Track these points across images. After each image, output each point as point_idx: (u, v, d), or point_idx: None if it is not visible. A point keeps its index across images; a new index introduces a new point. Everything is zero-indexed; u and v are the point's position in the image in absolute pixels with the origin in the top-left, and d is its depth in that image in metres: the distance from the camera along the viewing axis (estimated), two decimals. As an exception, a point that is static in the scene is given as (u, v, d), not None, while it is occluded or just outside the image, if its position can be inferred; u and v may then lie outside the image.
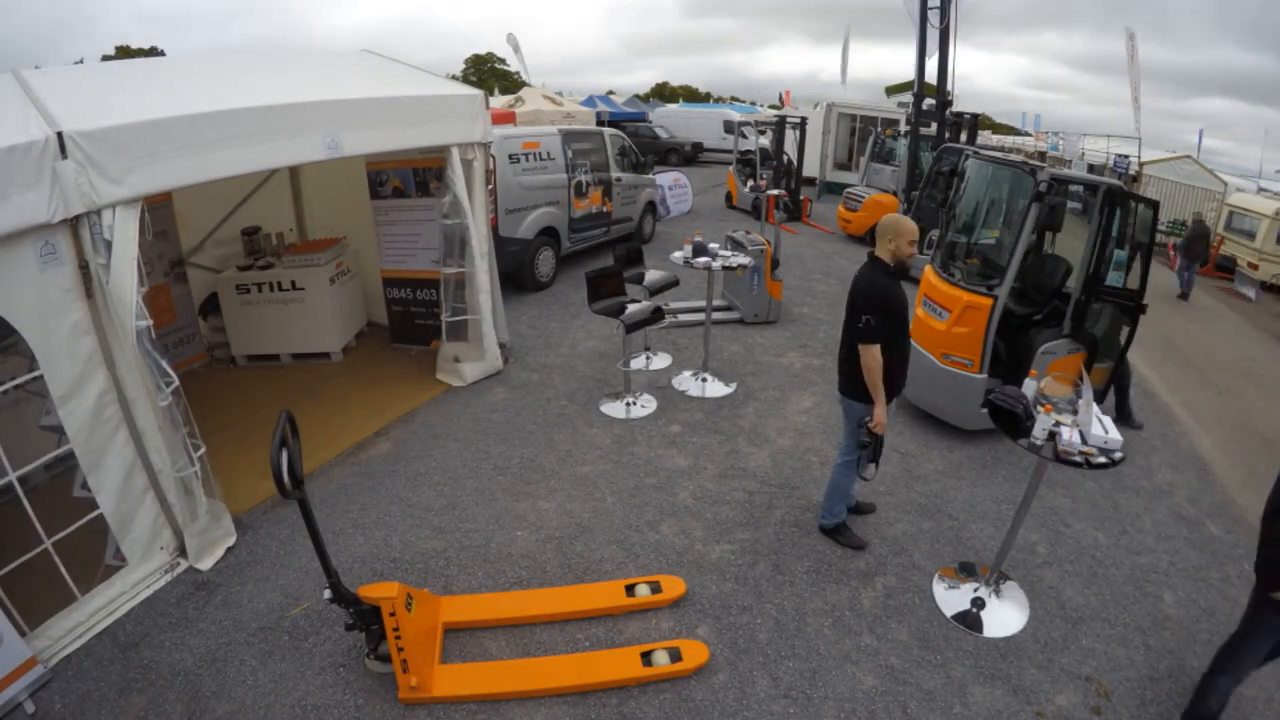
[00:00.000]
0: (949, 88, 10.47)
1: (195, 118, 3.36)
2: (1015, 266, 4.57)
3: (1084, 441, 2.84)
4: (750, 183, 13.50)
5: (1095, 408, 3.00)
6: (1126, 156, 17.08)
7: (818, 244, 11.71)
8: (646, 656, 2.94)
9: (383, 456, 4.59)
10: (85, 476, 3.08)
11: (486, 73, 50.47)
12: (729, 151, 16.83)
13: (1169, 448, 5.31)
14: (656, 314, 5.12)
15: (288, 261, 5.84)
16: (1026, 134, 34.94)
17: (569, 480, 4.35)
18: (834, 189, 15.93)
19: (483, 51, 52.96)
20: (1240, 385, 7.25)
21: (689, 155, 22.76)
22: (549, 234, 8.28)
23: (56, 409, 2.94)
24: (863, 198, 11.65)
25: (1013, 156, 6.40)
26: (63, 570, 3.01)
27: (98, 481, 3.12)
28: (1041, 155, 22.97)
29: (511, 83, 41.61)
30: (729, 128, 21.70)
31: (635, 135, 17.95)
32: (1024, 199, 4.52)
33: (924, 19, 10.45)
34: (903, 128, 13.89)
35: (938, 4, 10.19)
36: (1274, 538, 2.51)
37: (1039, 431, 2.87)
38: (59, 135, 2.81)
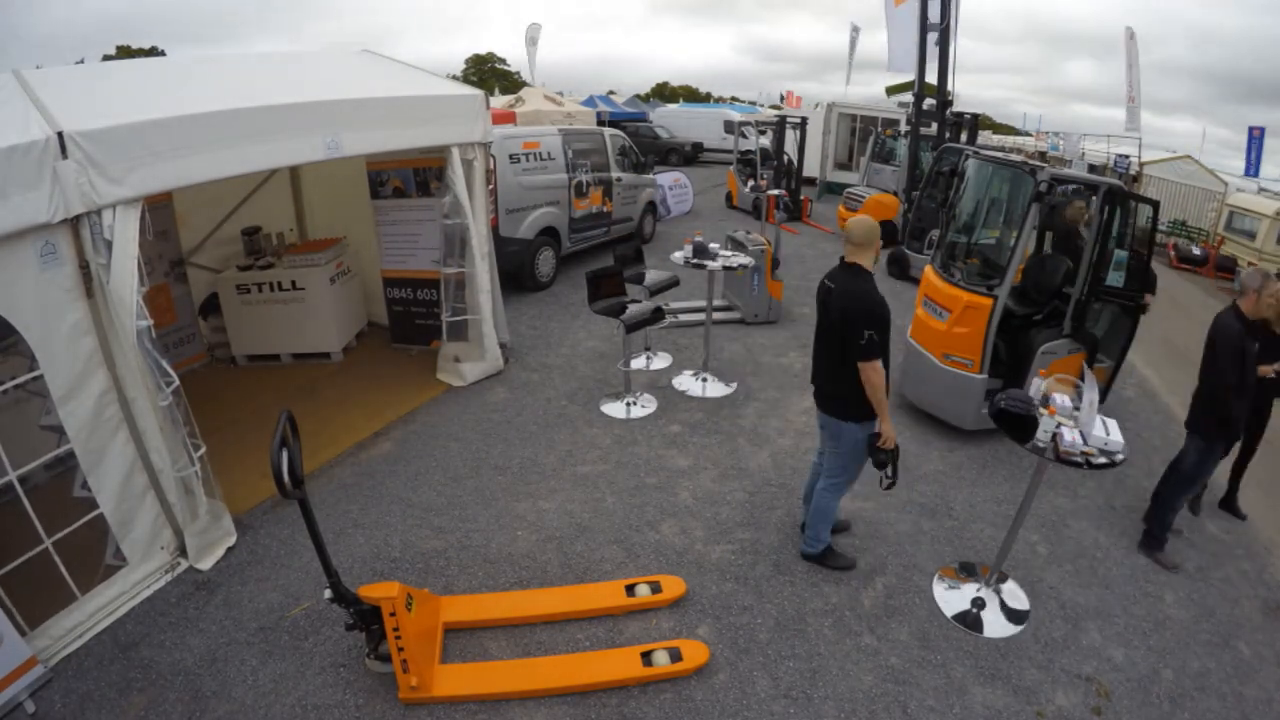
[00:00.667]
0: (949, 88, 10.46)
1: (196, 118, 3.37)
2: (1015, 266, 4.57)
3: (1085, 442, 2.84)
4: (750, 183, 13.49)
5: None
6: (1127, 156, 17.09)
7: (818, 244, 11.71)
8: (647, 656, 2.94)
9: (383, 456, 4.59)
10: (85, 476, 3.08)
11: (487, 73, 50.49)
12: (729, 151, 16.82)
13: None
14: (657, 314, 5.12)
15: (288, 261, 5.84)
16: (1027, 134, 34.95)
17: (569, 480, 4.35)
18: (834, 189, 15.92)
19: (483, 51, 53.03)
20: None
21: (689, 155, 22.75)
22: (549, 234, 8.28)
23: (56, 409, 2.94)
24: (863, 198, 11.65)
25: (1013, 156, 6.40)
26: (63, 570, 3.00)
27: (98, 481, 3.12)
28: (1042, 155, 22.96)
29: (512, 83, 41.64)
30: (729, 128, 21.67)
31: (635, 135, 17.92)
32: (1024, 199, 4.52)
33: (924, 19, 10.44)
34: (903, 128, 13.89)
35: (937, 18, 10.18)
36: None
37: (1042, 433, 2.87)
38: (59, 135, 2.81)
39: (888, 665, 3.02)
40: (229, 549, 3.63)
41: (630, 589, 3.34)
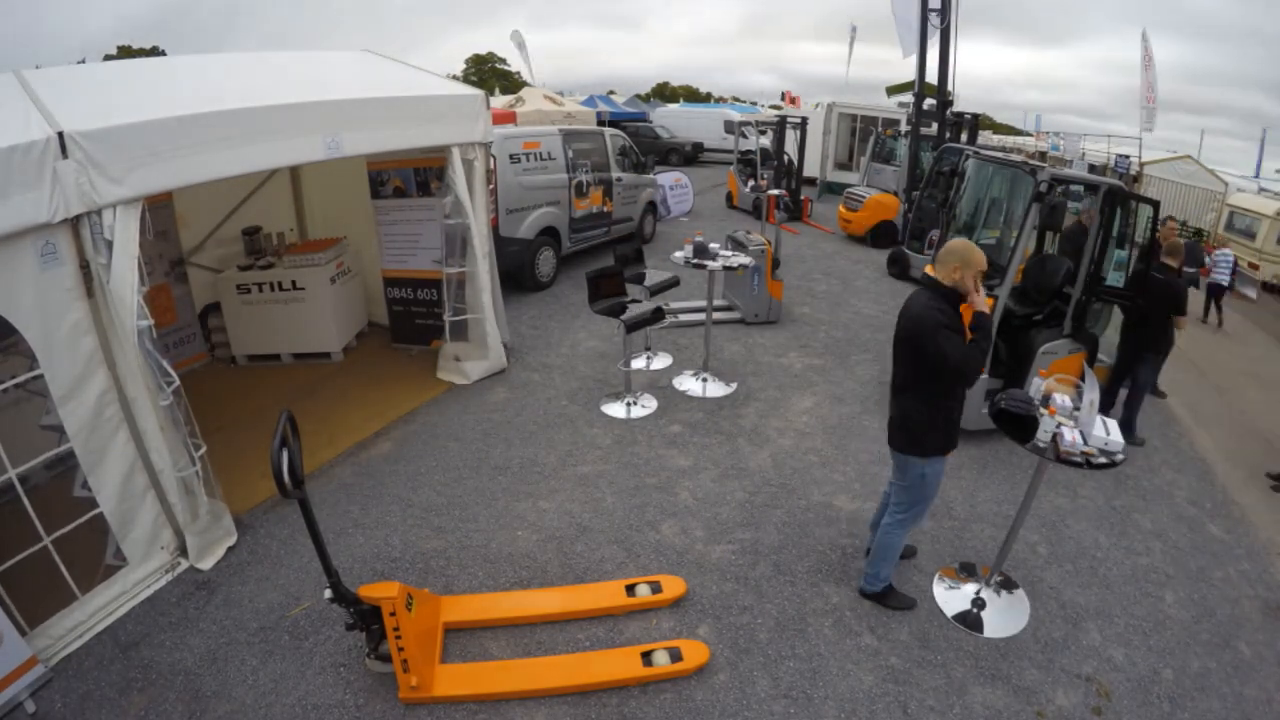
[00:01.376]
0: (949, 88, 10.47)
1: (196, 118, 3.36)
2: (1015, 266, 4.57)
3: (1085, 442, 2.84)
4: (751, 183, 13.49)
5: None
6: (1127, 157, 17.10)
7: (818, 244, 11.71)
8: (647, 656, 2.94)
9: (383, 456, 4.60)
10: (85, 476, 3.08)
11: (487, 73, 50.49)
12: (729, 151, 16.82)
13: (1169, 448, 5.31)
14: (657, 314, 5.12)
15: (288, 261, 5.84)
16: (1028, 134, 34.93)
17: (570, 480, 4.35)
18: (835, 189, 15.92)
19: (483, 51, 53.01)
20: (1241, 385, 7.26)
21: (689, 155, 22.75)
22: (549, 234, 8.27)
23: (57, 408, 2.94)
24: (863, 198, 11.65)
25: (1013, 156, 6.40)
26: (63, 570, 3.01)
27: (98, 481, 3.12)
28: (1042, 155, 22.96)
29: (512, 83, 41.61)
30: (729, 128, 21.67)
31: (636, 135, 17.93)
32: (1024, 199, 4.52)
33: (924, 18, 10.45)
34: (903, 128, 13.89)
35: (938, 4, 10.19)
36: None
37: (1042, 433, 2.87)
38: (60, 135, 2.81)
39: (888, 665, 3.02)
40: (229, 549, 3.64)
41: (630, 589, 3.34)
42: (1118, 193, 4.51)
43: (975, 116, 11.07)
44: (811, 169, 16.06)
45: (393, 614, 2.62)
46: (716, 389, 5.65)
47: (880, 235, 11.33)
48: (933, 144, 10.51)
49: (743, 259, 5.85)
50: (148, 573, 3.36)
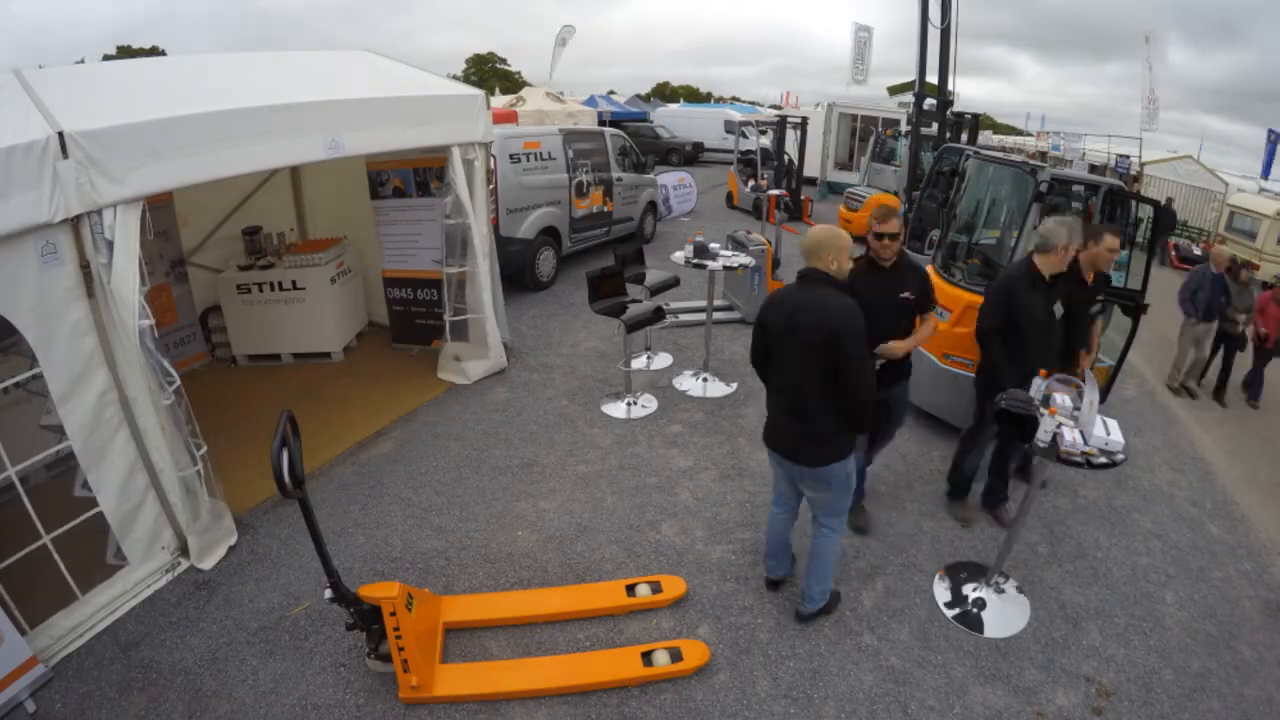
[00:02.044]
0: (950, 88, 10.46)
1: (196, 117, 3.36)
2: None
3: (1085, 442, 2.84)
4: (751, 183, 13.48)
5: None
6: (1128, 157, 17.10)
7: (818, 244, 11.69)
8: (647, 656, 2.94)
9: (383, 456, 4.60)
10: (86, 476, 3.08)
11: (487, 72, 50.49)
12: (730, 151, 16.82)
13: (1169, 448, 5.31)
14: (657, 314, 5.12)
15: (289, 261, 5.84)
16: (1028, 134, 34.91)
17: (570, 480, 4.35)
18: (835, 189, 15.92)
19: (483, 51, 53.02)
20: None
21: (690, 155, 22.77)
22: (550, 234, 8.27)
23: (56, 408, 2.94)
24: (864, 198, 11.65)
25: (1014, 156, 6.40)
26: (63, 569, 3.01)
27: (98, 481, 3.12)
28: (1043, 155, 22.96)
29: (512, 83, 41.63)
30: (730, 128, 21.67)
31: (636, 135, 17.94)
32: (1024, 199, 4.52)
33: (924, 18, 10.44)
34: (904, 128, 13.89)
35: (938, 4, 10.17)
36: (988, 364, 3.50)
37: (1042, 433, 2.87)
38: (60, 135, 2.81)
39: (888, 665, 3.02)
40: (230, 548, 3.64)
41: (631, 589, 3.34)
42: (1119, 193, 4.51)
43: (976, 116, 11.07)
44: (812, 169, 16.06)
45: (393, 614, 2.62)
46: (717, 389, 5.65)
47: (880, 235, 11.31)
48: (933, 144, 10.51)
49: (743, 259, 5.84)
50: (148, 572, 3.36)
